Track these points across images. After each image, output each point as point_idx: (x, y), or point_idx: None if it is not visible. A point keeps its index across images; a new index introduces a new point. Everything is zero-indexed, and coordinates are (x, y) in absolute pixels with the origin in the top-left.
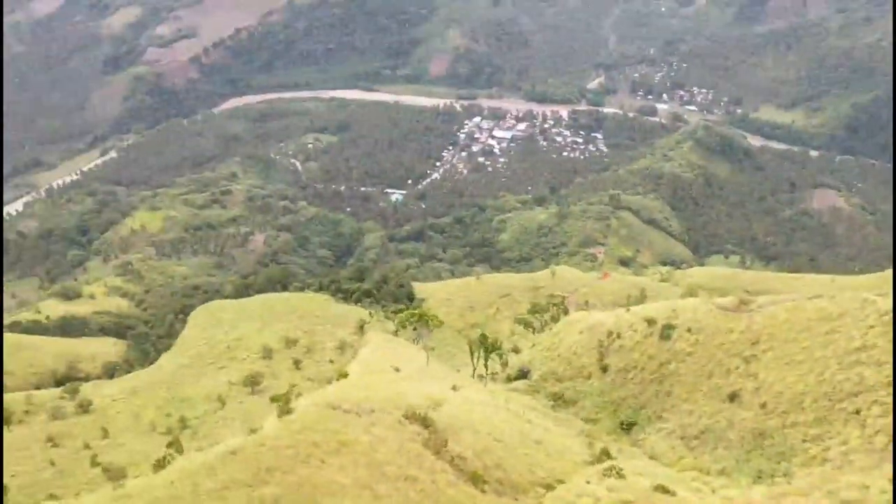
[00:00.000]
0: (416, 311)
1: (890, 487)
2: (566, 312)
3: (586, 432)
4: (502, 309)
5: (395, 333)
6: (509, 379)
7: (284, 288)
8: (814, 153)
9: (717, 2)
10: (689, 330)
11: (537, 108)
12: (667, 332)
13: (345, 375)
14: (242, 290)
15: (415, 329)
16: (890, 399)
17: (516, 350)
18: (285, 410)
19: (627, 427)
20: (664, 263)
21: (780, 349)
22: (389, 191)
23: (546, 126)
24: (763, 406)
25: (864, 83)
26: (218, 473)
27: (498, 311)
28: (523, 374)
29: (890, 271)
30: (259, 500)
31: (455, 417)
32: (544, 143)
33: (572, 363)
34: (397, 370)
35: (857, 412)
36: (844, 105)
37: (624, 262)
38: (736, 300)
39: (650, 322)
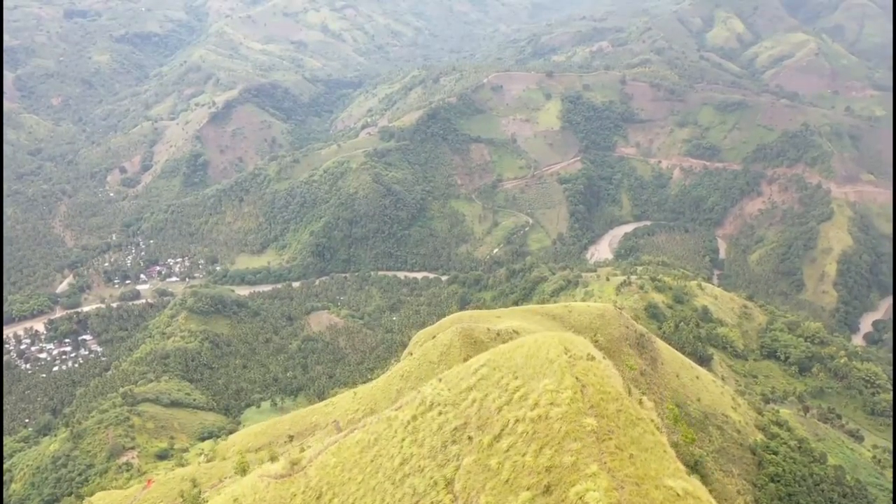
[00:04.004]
0: None
1: None
2: None
3: None
4: None
5: None
6: None
7: None
8: (296, 284)
9: (161, 176)
10: None
11: (7, 331)
12: None
13: None
14: None
15: None
16: (444, 496)
17: None
18: None
19: None
20: (202, 439)
21: (342, 492)
22: None
23: (23, 347)
24: None
25: (311, 213)
26: None
27: None
28: None
29: (391, 370)
30: None
31: None
32: (27, 366)
33: None
34: None
35: None
36: (304, 236)
37: (162, 456)
38: (287, 463)
39: None
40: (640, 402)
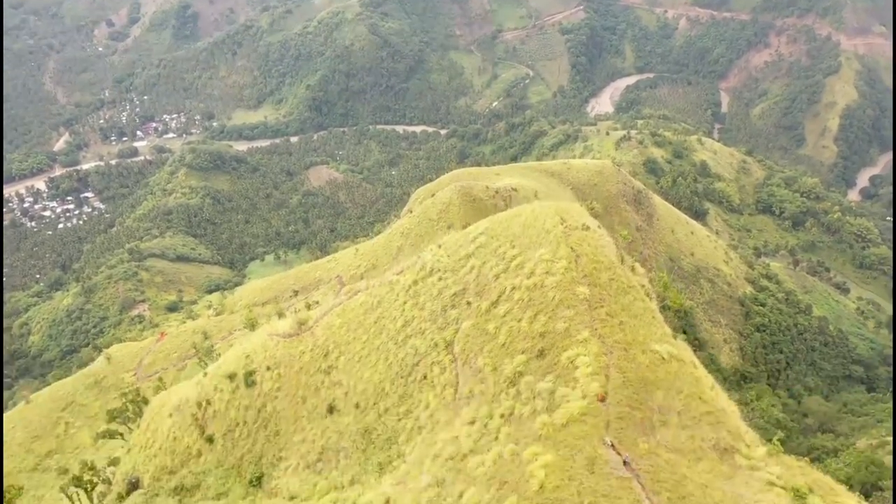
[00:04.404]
0: None
1: (469, 430)
2: (146, 401)
3: None
4: (71, 420)
5: None
6: (120, 497)
7: None
8: (294, 139)
9: (149, 29)
10: (268, 368)
11: (8, 190)
12: (249, 379)
13: None
14: None
15: None
16: (444, 357)
17: (115, 462)
18: None
19: (257, 481)
20: (209, 291)
21: (347, 351)
22: None
23: (26, 205)
24: (357, 406)
25: (307, 67)
26: None
27: (68, 426)
28: (134, 485)
29: (391, 227)
30: None
31: None
32: (32, 224)
33: (176, 450)
34: None
35: (425, 377)
36: (301, 90)
37: (172, 308)
38: (294, 323)
39: (231, 377)
40: (633, 269)
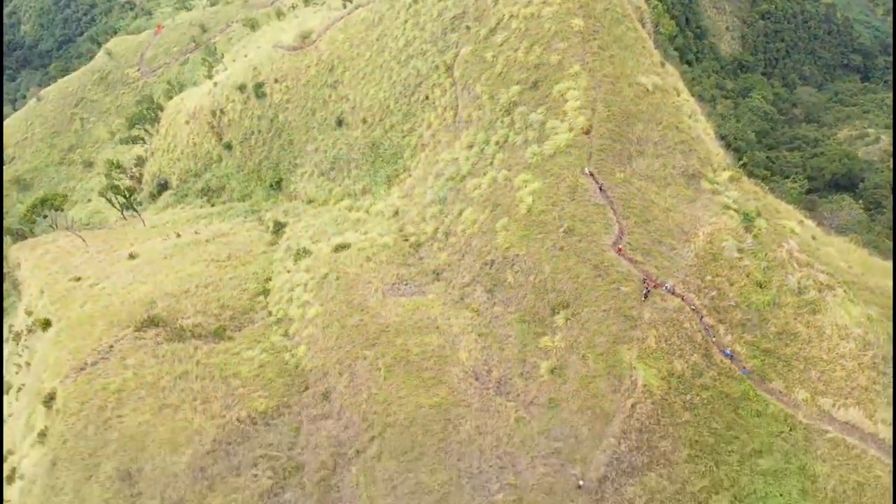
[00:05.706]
0: (43, 200)
1: (467, 153)
2: (160, 107)
3: (250, 209)
4: (86, 116)
5: (25, 236)
6: (153, 196)
7: None
8: None
9: None
10: (276, 81)
11: None
12: (259, 90)
13: (47, 323)
14: None
15: (45, 217)
16: (444, 80)
17: (140, 162)
18: None
19: (277, 185)
20: None
21: (352, 67)
22: None
23: None
24: (364, 121)
25: None
26: None
27: (83, 122)
28: (163, 186)
29: None
30: None
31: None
32: None
33: (198, 154)
34: (78, 279)
35: (427, 98)
36: None
37: None
38: (297, 37)
39: (241, 88)
40: None
